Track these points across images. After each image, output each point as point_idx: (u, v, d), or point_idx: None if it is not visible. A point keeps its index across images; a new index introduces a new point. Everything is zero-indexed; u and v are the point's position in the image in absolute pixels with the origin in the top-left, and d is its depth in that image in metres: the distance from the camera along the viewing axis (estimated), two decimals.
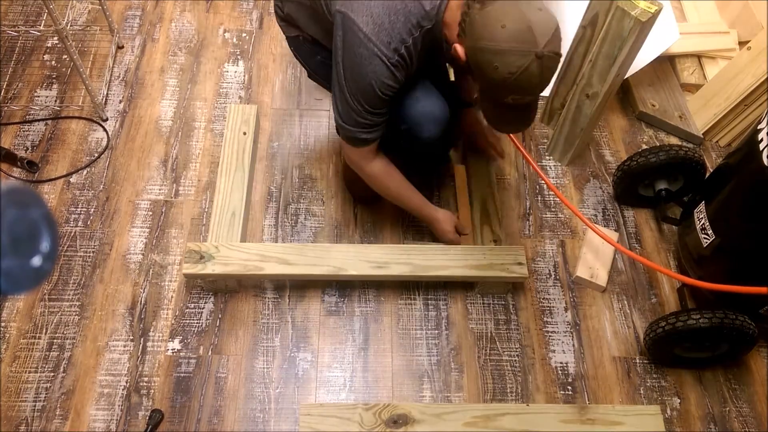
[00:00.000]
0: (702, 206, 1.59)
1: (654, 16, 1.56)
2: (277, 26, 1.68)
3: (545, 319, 1.72)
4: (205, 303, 1.68)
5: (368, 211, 1.88)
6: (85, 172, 1.90)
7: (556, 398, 1.61)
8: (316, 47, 1.58)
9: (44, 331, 1.61)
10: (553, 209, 1.93)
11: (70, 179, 1.88)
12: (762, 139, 1.38)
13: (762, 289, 1.36)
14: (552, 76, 1.23)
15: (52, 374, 1.55)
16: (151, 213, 1.83)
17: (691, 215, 1.63)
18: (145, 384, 1.55)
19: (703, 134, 2.10)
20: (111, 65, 2.12)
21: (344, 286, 1.73)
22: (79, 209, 1.82)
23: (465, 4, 1.23)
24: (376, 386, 1.59)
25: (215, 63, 2.17)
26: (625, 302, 1.76)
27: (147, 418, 1.50)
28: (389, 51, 1.28)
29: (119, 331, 1.63)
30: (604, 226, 1.90)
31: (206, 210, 1.84)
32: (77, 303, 1.66)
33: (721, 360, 1.64)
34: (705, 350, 1.59)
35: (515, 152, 2.02)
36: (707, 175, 1.75)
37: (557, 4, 2.27)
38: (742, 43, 2.14)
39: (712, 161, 2.06)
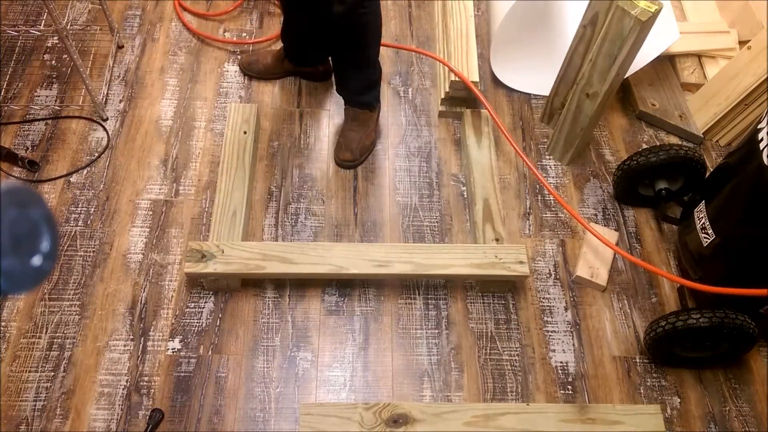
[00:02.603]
0: (702, 206, 1.59)
1: (654, 16, 1.56)
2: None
3: (545, 318, 1.72)
4: (206, 302, 1.68)
5: (368, 211, 1.88)
6: (85, 171, 1.90)
7: (556, 398, 1.61)
8: None
9: (44, 330, 1.61)
10: (553, 209, 1.93)
11: (71, 179, 1.88)
12: (762, 139, 1.38)
13: (762, 291, 1.36)
14: None
15: (53, 374, 1.55)
16: (151, 212, 1.83)
17: (691, 215, 1.63)
18: (145, 383, 1.56)
19: (703, 134, 2.09)
20: (111, 65, 2.12)
21: (344, 286, 1.73)
22: (79, 209, 1.82)
23: None
24: (377, 386, 1.60)
25: (215, 63, 2.17)
26: (626, 302, 1.76)
27: (147, 417, 1.50)
28: None
29: (119, 331, 1.63)
30: (604, 226, 1.90)
31: (206, 209, 1.84)
32: (77, 302, 1.66)
33: (721, 359, 1.64)
34: (705, 350, 1.59)
35: (515, 152, 2.02)
36: (707, 174, 1.75)
37: (557, 4, 2.27)
38: (742, 43, 2.14)
39: (712, 161, 2.06)
